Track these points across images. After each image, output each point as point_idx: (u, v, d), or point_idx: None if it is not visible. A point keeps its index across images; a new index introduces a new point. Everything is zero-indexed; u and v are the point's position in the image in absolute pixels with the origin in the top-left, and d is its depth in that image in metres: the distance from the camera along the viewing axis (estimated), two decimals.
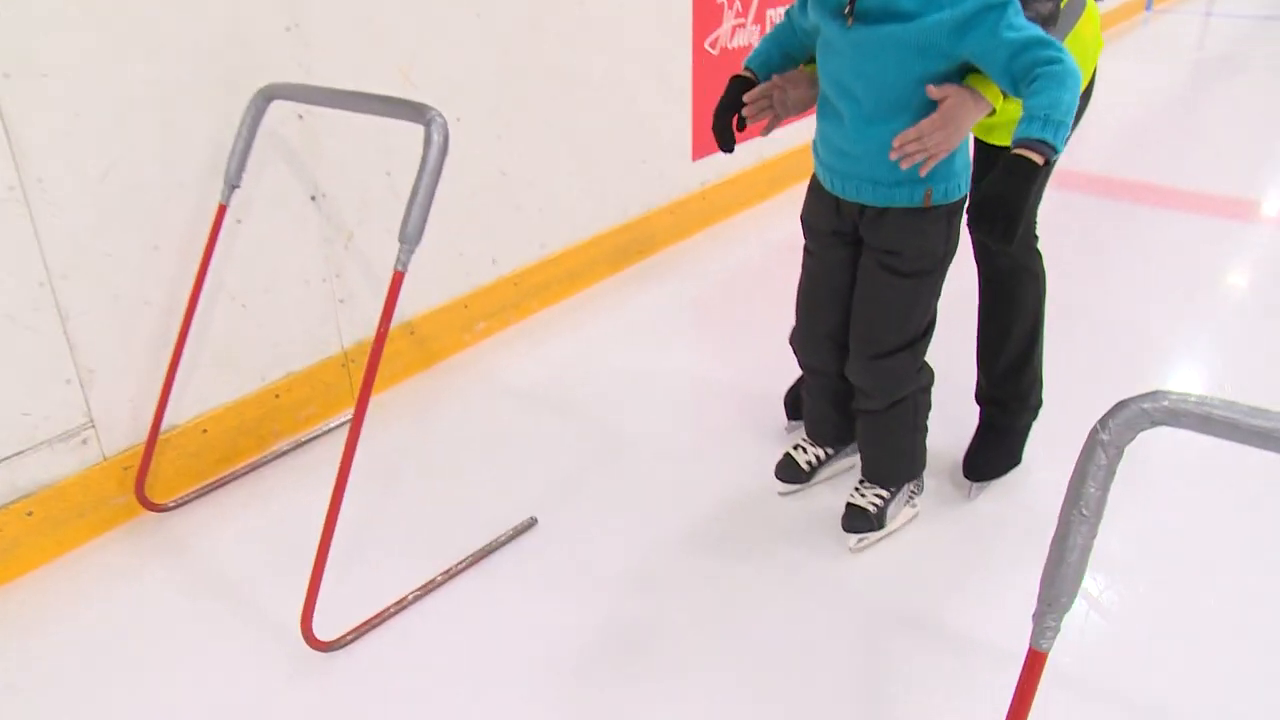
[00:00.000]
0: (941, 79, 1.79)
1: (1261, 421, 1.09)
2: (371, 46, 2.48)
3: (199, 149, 2.20)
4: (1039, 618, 1.23)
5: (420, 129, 1.85)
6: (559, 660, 1.90)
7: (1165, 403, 1.14)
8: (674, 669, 1.89)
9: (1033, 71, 1.64)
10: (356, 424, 1.84)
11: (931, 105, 1.80)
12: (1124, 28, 8.40)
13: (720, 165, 3.83)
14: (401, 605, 2.01)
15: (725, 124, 2.08)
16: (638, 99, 3.33)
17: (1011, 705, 1.25)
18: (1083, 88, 1.78)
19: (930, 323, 2.08)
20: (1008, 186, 1.61)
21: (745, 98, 2.06)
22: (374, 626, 1.97)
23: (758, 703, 1.81)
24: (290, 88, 2.16)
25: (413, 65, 2.57)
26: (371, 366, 1.84)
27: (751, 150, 3.97)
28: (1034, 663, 1.24)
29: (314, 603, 1.85)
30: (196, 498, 2.33)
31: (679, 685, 1.85)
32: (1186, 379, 2.91)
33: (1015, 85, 1.68)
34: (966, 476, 2.38)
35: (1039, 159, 1.60)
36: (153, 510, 2.27)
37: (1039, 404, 2.39)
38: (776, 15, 3.83)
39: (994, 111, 1.84)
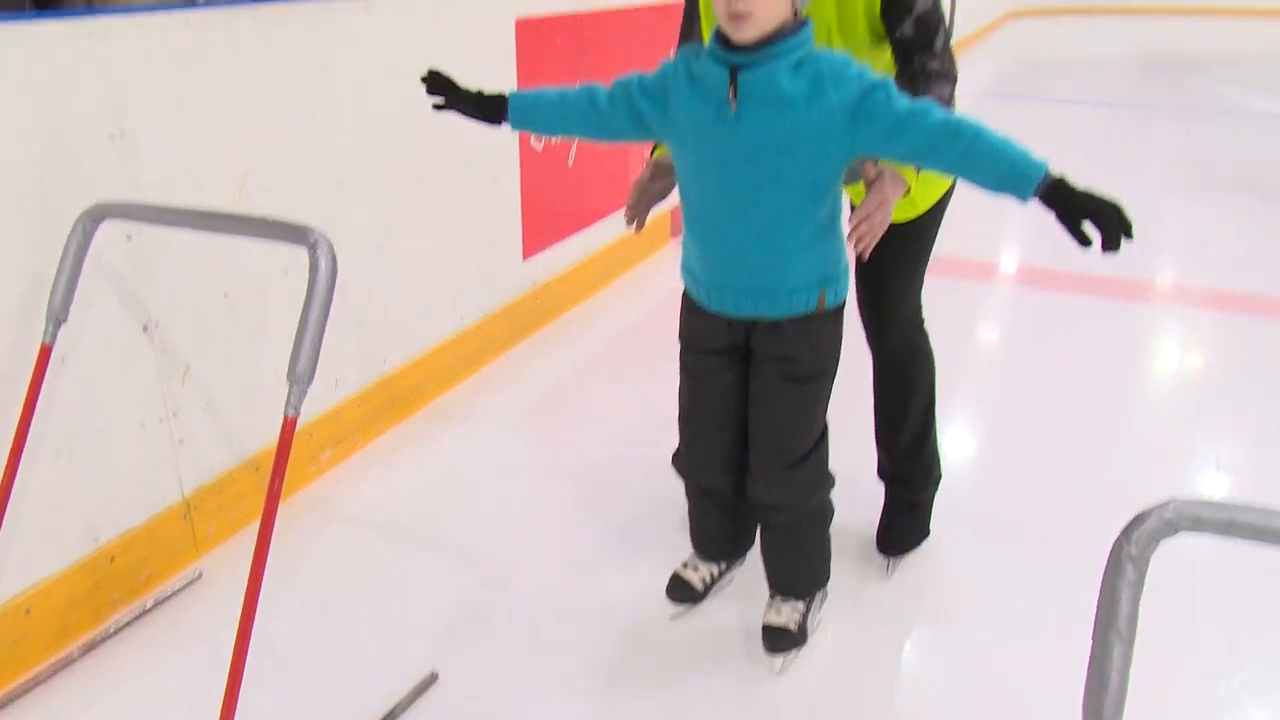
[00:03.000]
0: (834, 179, 1.73)
1: None
2: (204, 155, 2.23)
3: (13, 279, 1.89)
4: None
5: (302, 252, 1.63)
6: None
7: (1186, 509, 1.11)
8: None
9: (964, 134, 1.58)
10: (251, 602, 1.58)
11: (820, 209, 1.74)
12: None
13: (550, 263, 3.72)
14: None
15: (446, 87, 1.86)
16: (469, 200, 3.19)
17: None
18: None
19: (826, 422, 2.02)
20: (1083, 203, 1.50)
21: (628, 212, 1.98)
22: None
23: None
24: (127, 207, 1.89)
25: (248, 174, 2.33)
26: (266, 528, 1.60)
27: (578, 244, 3.89)
28: None
29: None
30: (22, 695, 1.94)
31: None
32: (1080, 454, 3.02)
33: (935, 152, 1.61)
34: (883, 552, 2.39)
35: (1055, 174, 1.54)
36: None
37: (940, 475, 2.42)
38: None
39: (909, 190, 1.83)
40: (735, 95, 1.66)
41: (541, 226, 3.62)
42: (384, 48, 2.74)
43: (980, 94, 9.78)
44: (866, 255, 1.78)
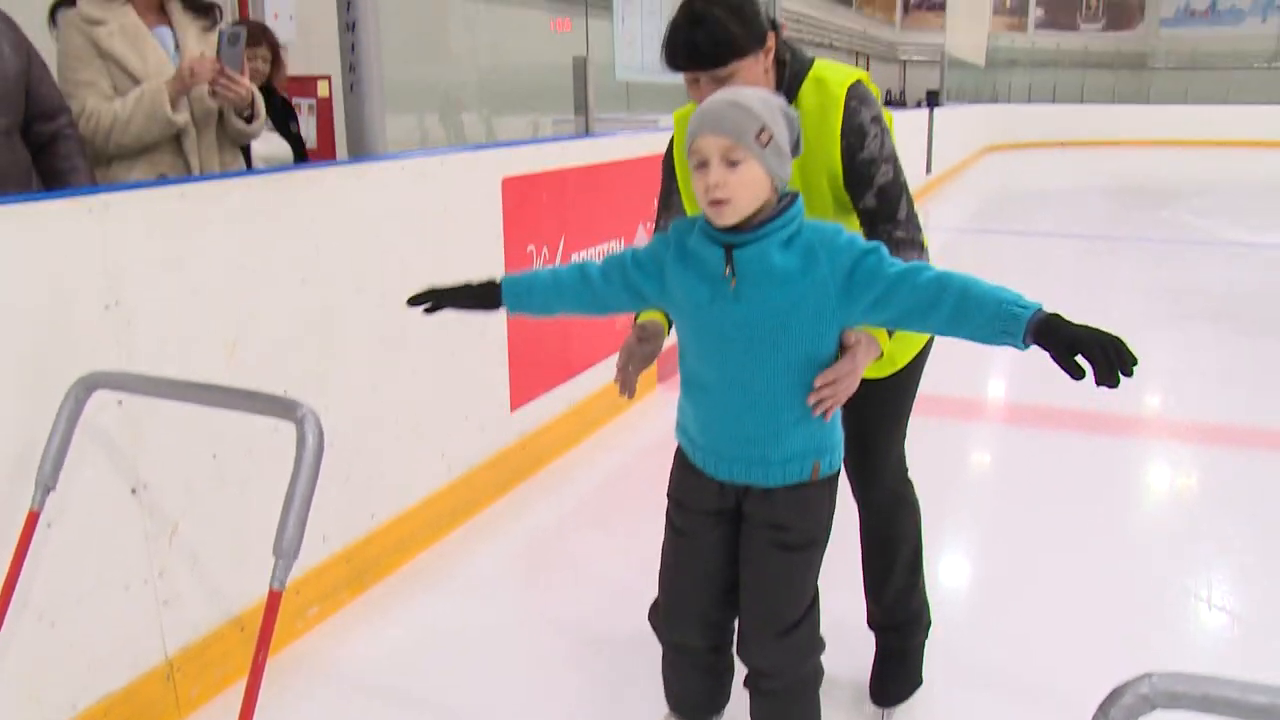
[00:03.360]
0: (830, 349, 1.75)
1: (1263, 698, 1.08)
2: (196, 322, 2.29)
3: (4, 445, 1.93)
4: None
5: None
6: None
7: (1162, 685, 1.12)
8: None
9: (953, 286, 1.59)
10: None
11: (813, 374, 1.75)
12: None
13: (538, 413, 3.77)
14: None
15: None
16: (457, 354, 3.26)
17: None
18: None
19: (816, 588, 2.00)
20: (1076, 334, 1.46)
21: (618, 376, 1.99)
22: None
23: None
24: (119, 377, 1.95)
25: (239, 338, 2.39)
26: (250, 698, 1.60)
27: (565, 394, 3.95)
28: None
29: None
30: None
31: None
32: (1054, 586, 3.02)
33: (928, 309, 1.61)
34: (876, 703, 2.37)
35: (1044, 310, 1.52)
36: None
37: (930, 622, 2.42)
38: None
39: (881, 354, 1.86)
40: (732, 273, 1.68)
41: (529, 377, 3.68)
42: (375, 211, 2.84)
43: (958, 229, 10.03)
44: (827, 418, 1.80)
